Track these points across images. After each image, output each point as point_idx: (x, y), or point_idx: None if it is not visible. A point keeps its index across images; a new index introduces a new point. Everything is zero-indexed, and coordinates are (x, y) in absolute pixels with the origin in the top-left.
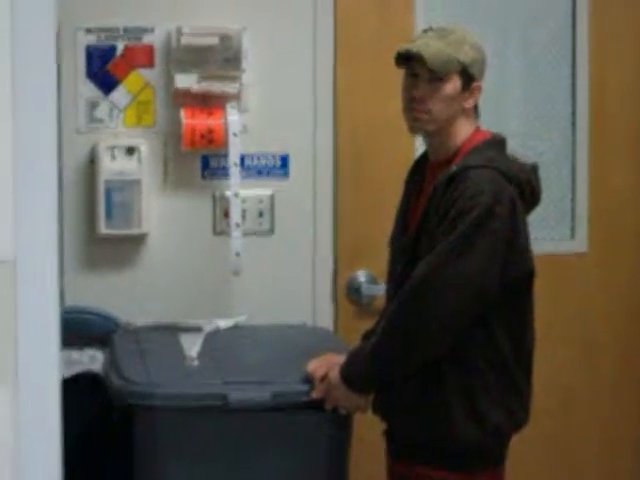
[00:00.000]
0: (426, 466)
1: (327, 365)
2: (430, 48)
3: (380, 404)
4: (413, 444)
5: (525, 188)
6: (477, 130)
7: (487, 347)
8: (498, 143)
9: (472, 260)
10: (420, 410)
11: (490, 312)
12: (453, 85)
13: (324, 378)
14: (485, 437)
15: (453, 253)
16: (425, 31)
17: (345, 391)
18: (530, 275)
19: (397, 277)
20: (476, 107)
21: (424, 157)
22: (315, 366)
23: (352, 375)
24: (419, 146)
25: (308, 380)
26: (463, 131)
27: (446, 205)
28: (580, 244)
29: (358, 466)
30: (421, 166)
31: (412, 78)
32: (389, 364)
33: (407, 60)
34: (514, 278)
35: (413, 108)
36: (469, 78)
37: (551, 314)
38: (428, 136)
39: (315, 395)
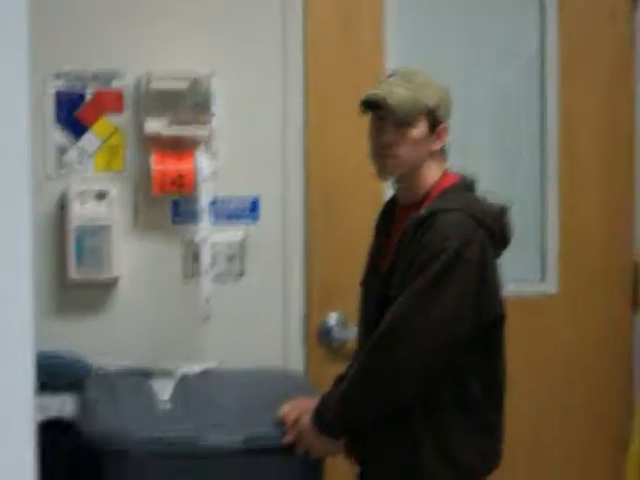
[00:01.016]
0: None
1: (299, 409)
2: (395, 94)
3: (352, 448)
4: None
5: (495, 230)
6: (446, 172)
7: (457, 390)
8: (467, 185)
9: (442, 306)
10: (389, 453)
11: (460, 355)
12: (420, 129)
13: (296, 422)
14: (454, 477)
15: (423, 299)
16: (389, 76)
17: (317, 436)
18: (501, 319)
19: (368, 319)
20: (443, 149)
21: (393, 199)
22: (287, 410)
23: (323, 420)
24: (389, 189)
25: (280, 424)
26: (432, 174)
27: (415, 249)
28: (550, 285)
29: None
30: (390, 208)
31: (379, 123)
32: (360, 409)
33: (373, 106)
34: (484, 322)
35: (380, 154)
36: (435, 121)
37: (521, 355)
38: (397, 180)
39: (286, 440)
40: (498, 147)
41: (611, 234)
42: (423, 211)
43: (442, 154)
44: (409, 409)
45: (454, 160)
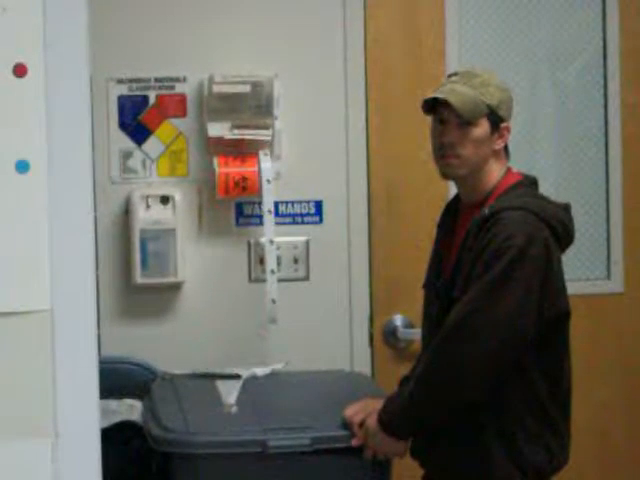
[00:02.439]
0: None
1: (364, 410)
2: (456, 94)
3: (418, 449)
4: None
5: (558, 228)
6: (508, 171)
7: (524, 389)
8: (530, 184)
9: (506, 304)
10: (458, 456)
11: (526, 354)
12: (482, 129)
13: (362, 424)
14: (526, 478)
15: (487, 297)
16: (450, 76)
17: (383, 437)
18: (565, 316)
19: (432, 320)
20: (506, 148)
21: (456, 200)
22: (353, 412)
23: (390, 421)
24: (452, 189)
25: (347, 425)
26: (494, 173)
27: (479, 248)
28: (616, 284)
29: None
30: (453, 209)
31: (441, 124)
32: (426, 410)
33: (434, 107)
34: (549, 319)
35: (444, 154)
36: (497, 120)
37: (588, 354)
38: (460, 180)
39: (355, 443)
40: (562, 146)
41: None
42: (486, 210)
43: (504, 153)
44: (477, 411)
45: (518, 159)
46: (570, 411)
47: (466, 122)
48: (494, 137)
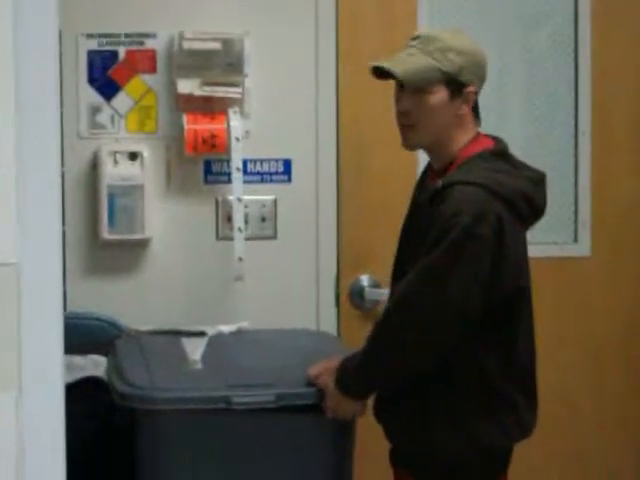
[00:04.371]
0: (415, 476)
1: (328, 370)
2: (406, 61)
3: (377, 410)
4: (406, 454)
5: (519, 204)
6: (477, 136)
7: (472, 366)
8: (495, 154)
9: (451, 284)
10: (409, 426)
11: (475, 332)
12: (438, 95)
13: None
14: (474, 454)
15: (432, 276)
16: (412, 39)
17: (340, 397)
18: (520, 292)
19: (392, 288)
20: (476, 110)
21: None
22: (316, 371)
23: (345, 381)
24: (422, 151)
25: (310, 384)
26: (458, 139)
27: (428, 223)
28: (583, 248)
29: (363, 469)
30: (427, 173)
31: (399, 89)
32: (375, 375)
33: (380, 75)
34: (500, 297)
35: (401, 122)
36: (459, 85)
37: (555, 318)
38: (421, 148)
39: (311, 400)
40: (531, 110)
41: None
42: (439, 183)
43: (473, 117)
44: (425, 388)
45: (487, 124)
46: (531, 385)
47: (419, 89)
48: (456, 103)
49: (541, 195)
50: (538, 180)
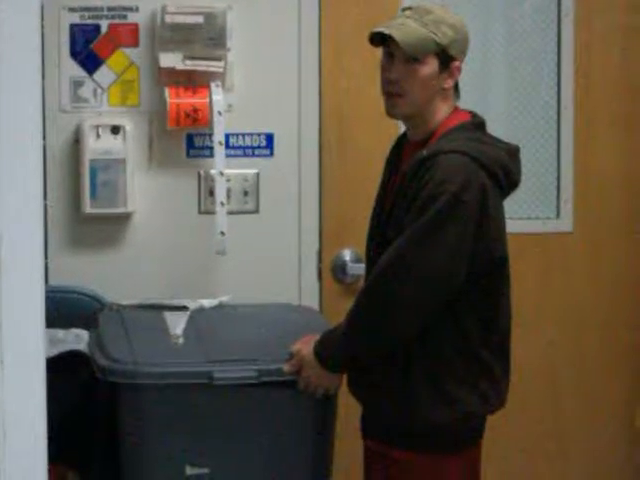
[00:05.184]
0: (395, 447)
1: (308, 344)
2: (404, 29)
3: (352, 383)
4: (383, 425)
5: (499, 173)
6: (456, 110)
7: (454, 334)
8: (475, 126)
9: (438, 249)
10: (388, 394)
11: (457, 298)
12: (430, 67)
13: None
14: (454, 420)
15: (419, 242)
16: (404, 10)
17: (317, 369)
18: (500, 261)
19: (370, 259)
20: (456, 85)
21: (405, 135)
22: (300, 346)
23: (324, 354)
24: (403, 125)
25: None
26: (441, 111)
27: (414, 191)
28: (566, 224)
29: (344, 443)
30: (401, 144)
31: (389, 59)
32: (359, 345)
33: (380, 40)
34: (482, 265)
35: (389, 91)
36: (448, 58)
37: (537, 293)
38: (405, 118)
39: (287, 368)
40: (514, 85)
41: (627, 172)
42: (425, 152)
43: (454, 91)
44: (407, 354)
45: (470, 99)
46: (508, 354)
47: (413, 59)
48: (443, 75)
49: (517, 167)
50: (514, 152)
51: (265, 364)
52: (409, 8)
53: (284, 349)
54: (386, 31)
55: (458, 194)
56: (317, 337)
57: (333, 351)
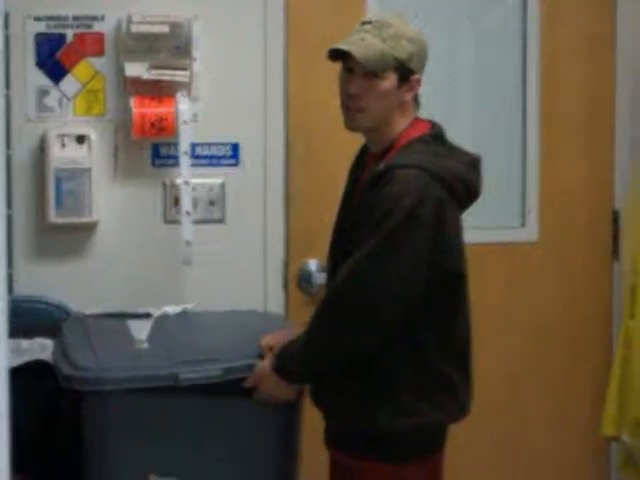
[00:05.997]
0: (357, 457)
1: (283, 340)
2: (364, 45)
3: (314, 395)
4: (345, 435)
5: (457, 186)
6: (415, 121)
7: (410, 346)
8: (435, 137)
9: (393, 265)
10: (349, 405)
11: (413, 312)
12: (389, 81)
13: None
14: (413, 430)
15: (375, 257)
16: (363, 23)
17: (275, 380)
18: (457, 276)
19: (329, 271)
20: (416, 98)
21: (366, 146)
22: (270, 341)
23: (285, 366)
24: None
25: (261, 355)
26: (400, 124)
27: (371, 205)
28: (531, 233)
29: (310, 454)
30: (364, 154)
31: (348, 73)
32: (315, 359)
33: (342, 55)
34: (439, 280)
35: (348, 106)
36: (407, 72)
37: (502, 302)
38: (363, 131)
39: (247, 384)
40: (479, 94)
41: (592, 182)
42: (381, 166)
43: (413, 103)
44: (365, 367)
45: (436, 106)
46: (468, 365)
47: (372, 74)
48: (403, 89)
49: (477, 178)
50: (474, 163)
51: (230, 362)
52: (369, 22)
53: (249, 348)
54: (345, 48)
55: (414, 209)
56: (288, 336)
57: (291, 364)
